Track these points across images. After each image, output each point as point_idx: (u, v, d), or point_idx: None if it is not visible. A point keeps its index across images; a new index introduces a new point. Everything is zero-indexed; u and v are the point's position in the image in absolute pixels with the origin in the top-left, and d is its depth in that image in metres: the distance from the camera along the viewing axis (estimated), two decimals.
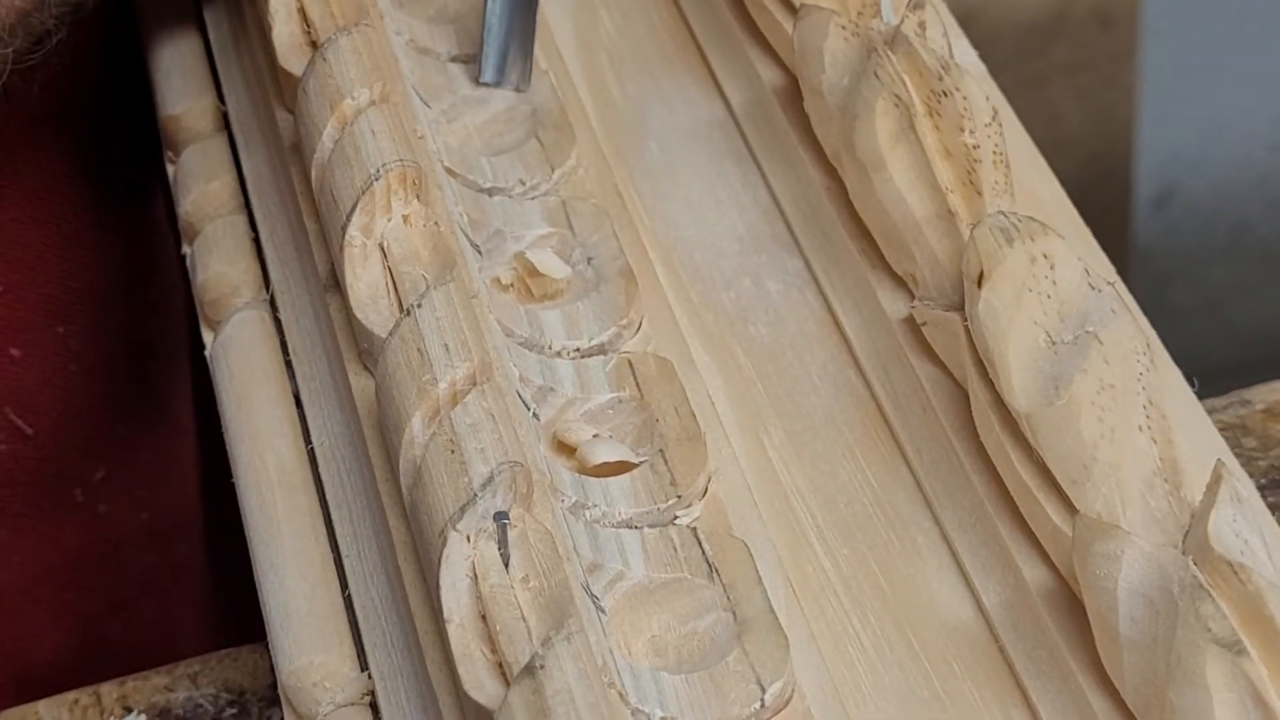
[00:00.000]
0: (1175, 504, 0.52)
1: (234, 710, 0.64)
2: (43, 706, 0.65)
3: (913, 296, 0.61)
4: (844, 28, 0.64)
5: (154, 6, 0.79)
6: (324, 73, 0.64)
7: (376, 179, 0.60)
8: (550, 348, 0.61)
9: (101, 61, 0.82)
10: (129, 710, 0.64)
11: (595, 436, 0.58)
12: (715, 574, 0.54)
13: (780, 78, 0.69)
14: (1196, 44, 1.68)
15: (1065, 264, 0.57)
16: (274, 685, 0.60)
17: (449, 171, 0.66)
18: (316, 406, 0.64)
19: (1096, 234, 0.64)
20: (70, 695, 0.65)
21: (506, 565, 0.51)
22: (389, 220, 0.61)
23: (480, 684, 0.49)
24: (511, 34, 0.69)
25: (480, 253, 0.63)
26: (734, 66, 0.71)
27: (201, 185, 0.72)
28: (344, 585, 0.59)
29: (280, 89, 0.68)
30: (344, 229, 0.60)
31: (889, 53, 0.62)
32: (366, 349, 0.60)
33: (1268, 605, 0.47)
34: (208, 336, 0.69)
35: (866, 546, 0.57)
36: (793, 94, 0.67)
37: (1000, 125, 0.61)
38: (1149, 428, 0.54)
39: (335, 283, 0.62)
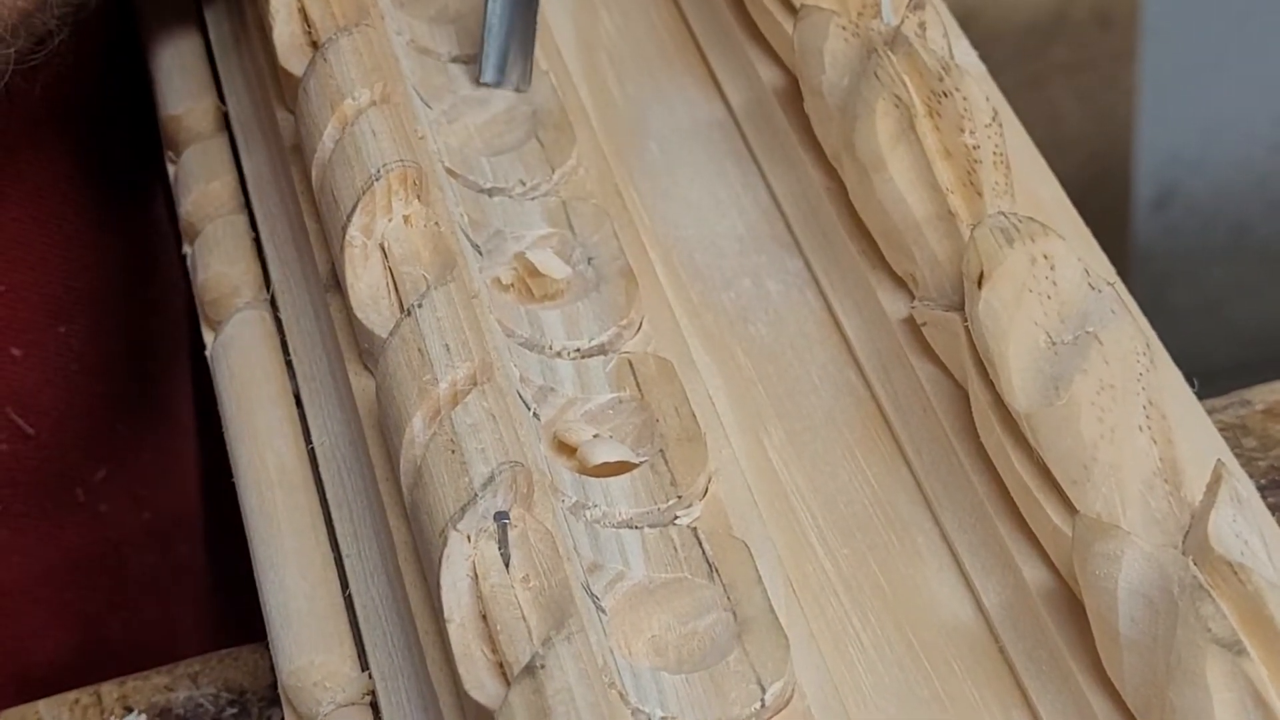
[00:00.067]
0: (1175, 504, 0.52)
1: (234, 710, 0.64)
2: (43, 706, 0.65)
3: (913, 297, 0.61)
4: (844, 28, 0.64)
5: (154, 6, 0.79)
6: (325, 73, 0.64)
7: (377, 179, 0.60)
8: (551, 348, 0.61)
9: (102, 62, 0.82)
10: (129, 710, 0.64)
11: (596, 436, 0.58)
12: (715, 574, 0.54)
13: (780, 78, 0.69)
14: (1196, 44, 1.68)
15: (1065, 264, 0.57)
16: (274, 685, 0.60)
17: (449, 172, 0.66)
18: (317, 406, 0.64)
19: (1096, 234, 0.64)
20: (71, 695, 0.65)
21: (507, 565, 0.51)
22: (389, 220, 0.61)
23: (481, 684, 0.50)
24: (512, 34, 0.69)
25: (481, 253, 0.63)
26: (734, 67, 0.71)
27: (202, 185, 0.72)
28: (344, 585, 0.59)
29: (281, 89, 0.68)
30: (344, 229, 0.60)
31: (889, 53, 0.62)
32: (367, 349, 0.60)
33: (1268, 605, 0.47)
34: (208, 336, 0.69)
35: (866, 546, 0.58)
36: (793, 94, 0.67)
37: (1000, 126, 0.61)
38: (1149, 428, 0.54)
39: (336, 283, 0.62)
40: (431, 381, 0.55)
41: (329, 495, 0.61)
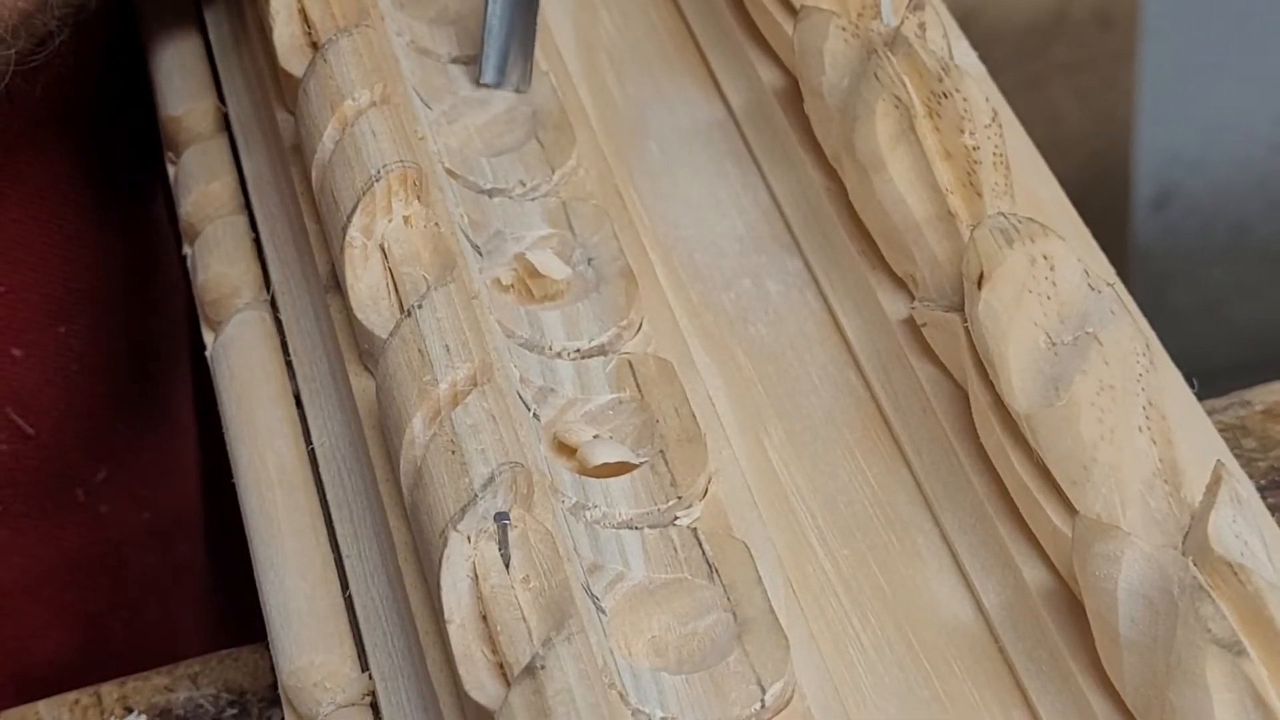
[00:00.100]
0: (1175, 505, 0.52)
1: (234, 710, 0.64)
2: (43, 706, 0.65)
3: (913, 297, 0.61)
4: (844, 29, 0.64)
5: (155, 7, 0.79)
6: (325, 74, 0.64)
7: (377, 180, 0.60)
8: (551, 348, 0.61)
9: (103, 62, 0.82)
10: (129, 710, 0.64)
11: (596, 437, 0.58)
12: (715, 574, 0.54)
13: (780, 79, 0.69)
14: (1196, 44, 1.68)
15: (1065, 265, 0.57)
16: (274, 685, 0.60)
17: (449, 172, 0.66)
18: (317, 407, 0.64)
19: (1096, 234, 0.64)
20: (71, 695, 0.65)
21: (507, 566, 0.51)
22: (389, 221, 0.61)
23: (481, 684, 0.50)
24: (512, 35, 0.69)
25: (481, 254, 0.63)
26: (734, 67, 0.71)
27: (202, 186, 0.72)
28: (344, 585, 0.59)
29: (281, 90, 0.68)
30: (345, 230, 0.60)
31: (889, 54, 0.62)
32: (367, 349, 0.60)
33: (1268, 606, 0.47)
34: (208, 337, 0.69)
35: (866, 547, 0.58)
36: (793, 95, 0.67)
37: (1000, 126, 0.61)
38: (1149, 429, 0.54)
39: (336, 283, 0.62)
40: (431, 382, 0.55)
41: (329, 496, 0.61)
